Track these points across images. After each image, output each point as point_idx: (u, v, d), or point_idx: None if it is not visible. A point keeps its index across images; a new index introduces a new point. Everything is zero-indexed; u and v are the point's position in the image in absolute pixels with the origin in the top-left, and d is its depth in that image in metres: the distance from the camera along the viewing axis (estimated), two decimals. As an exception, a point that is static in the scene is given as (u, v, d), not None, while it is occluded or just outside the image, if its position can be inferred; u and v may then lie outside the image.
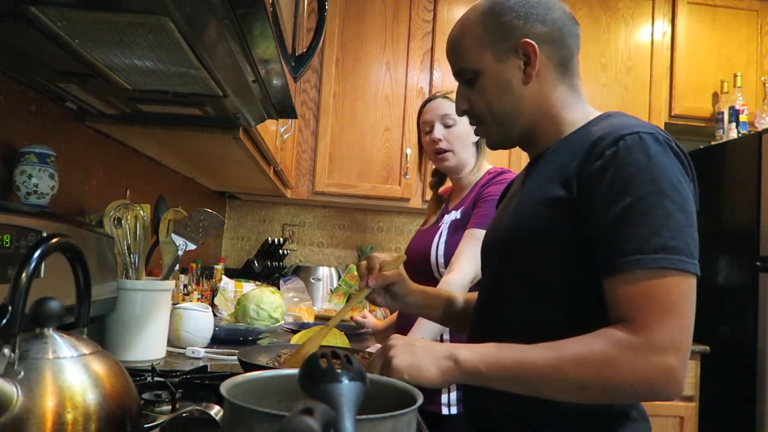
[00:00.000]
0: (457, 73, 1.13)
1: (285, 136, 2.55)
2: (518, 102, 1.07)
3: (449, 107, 1.88)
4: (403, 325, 1.83)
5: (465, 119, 1.87)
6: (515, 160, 3.26)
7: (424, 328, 1.64)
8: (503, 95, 1.07)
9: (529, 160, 1.17)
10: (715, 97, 3.38)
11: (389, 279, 1.20)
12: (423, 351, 0.95)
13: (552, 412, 0.96)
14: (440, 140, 1.87)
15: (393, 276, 1.21)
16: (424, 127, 1.93)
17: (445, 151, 1.88)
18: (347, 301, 1.24)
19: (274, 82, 1.23)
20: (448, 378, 0.93)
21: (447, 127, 1.88)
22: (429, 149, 1.92)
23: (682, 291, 0.87)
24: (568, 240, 0.96)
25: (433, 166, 2.07)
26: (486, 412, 1.08)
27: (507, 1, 1.06)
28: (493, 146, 1.16)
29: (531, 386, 0.91)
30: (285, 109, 1.46)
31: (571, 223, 0.95)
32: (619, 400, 0.90)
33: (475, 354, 0.93)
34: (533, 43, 1.03)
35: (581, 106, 1.09)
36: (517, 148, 1.15)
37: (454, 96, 1.88)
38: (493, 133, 1.13)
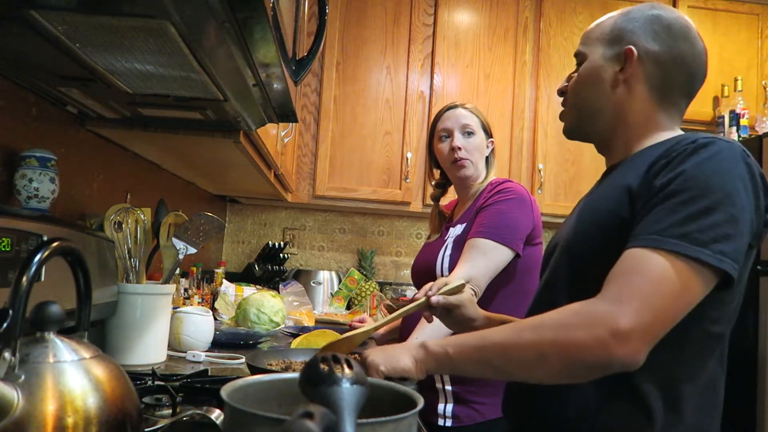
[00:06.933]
0: (576, 55, 1.16)
1: (285, 140, 2.55)
2: (601, 100, 1.09)
3: (469, 117, 1.91)
4: (406, 329, 1.83)
5: (482, 132, 1.91)
6: (515, 170, 3.26)
7: (427, 331, 1.64)
8: (590, 87, 1.11)
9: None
10: (716, 101, 3.38)
11: (453, 302, 1.22)
12: (396, 347, 1.01)
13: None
14: (460, 148, 1.87)
15: (457, 300, 1.22)
16: (440, 134, 1.94)
17: (465, 159, 1.88)
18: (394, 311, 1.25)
19: (275, 86, 1.23)
20: (421, 366, 0.96)
21: (466, 137, 1.89)
22: (446, 157, 1.92)
23: (684, 280, 0.83)
24: (623, 241, 0.94)
25: (437, 177, 2.07)
26: (521, 410, 1.09)
27: (643, 13, 1.08)
28: (566, 131, 1.18)
29: (495, 364, 0.91)
30: (285, 113, 1.46)
31: (630, 223, 0.94)
32: (580, 372, 0.86)
33: (444, 340, 0.97)
34: (635, 53, 1.05)
35: (670, 133, 1.07)
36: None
37: (471, 107, 1.92)
38: (569, 118, 1.16)
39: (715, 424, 0.98)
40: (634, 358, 0.82)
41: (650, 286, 0.83)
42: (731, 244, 0.85)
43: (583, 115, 1.13)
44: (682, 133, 1.07)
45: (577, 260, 1.04)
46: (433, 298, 1.20)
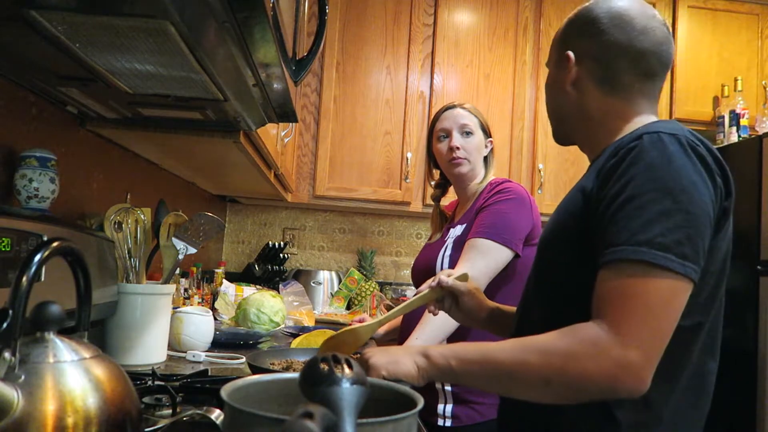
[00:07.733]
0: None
1: (285, 140, 2.55)
2: (561, 105, 1.14)
3: (467, 117, 1.91)
4: (406, 329, 1.82)
5: (481, 131, 1.92)
6: (515, 170, 3.26)
7: (427, 330, 1.63)
8: (552, 95, 1.17)
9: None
10: (716, 101, 3.38)
11: (460, 287, 1.24)
12: (398, 350, 1.00)
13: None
14: (458, 148, 1.88)
15: (464, 286, 1.24)
16: (439, 134, 1.94)
17: (462, 158, 1.89)
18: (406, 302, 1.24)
19: (275, 86, 1.23)
20: (423, 373, 0.96)
21: (464, 137, 1.90)
22: (444, 156, 1.92)
23: (662, 289, 0.84)
24: (582, 241, 0.95)
25: (437, 177, 2.07)
26: (519, 417, 1.08)
27: (578, 13, 1.12)
28: (553, 137, 1.22)
29: (499, 381, 0.92)
30: (285, 113, 1.46)
31: (584, 223, 0.95)
32: (584, 398, 0.87)
33: (447, 350, 0.96)
34: (571, 56, 1.10)
35: (642, 118, 1.07)
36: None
37: (470, 107, 1.93)
38: (551, 124, 1.21)
39: (699, 415, 1.00)
40: (641, 387, 0.84)
41: (646, 310, 0.84)
42: (692, 241, 0.86)
43: (557, 121, 1.18)
44: (648, 122, 1.05)
45: (543, 258, 1.08)
46: (443, 278, 1.23)
